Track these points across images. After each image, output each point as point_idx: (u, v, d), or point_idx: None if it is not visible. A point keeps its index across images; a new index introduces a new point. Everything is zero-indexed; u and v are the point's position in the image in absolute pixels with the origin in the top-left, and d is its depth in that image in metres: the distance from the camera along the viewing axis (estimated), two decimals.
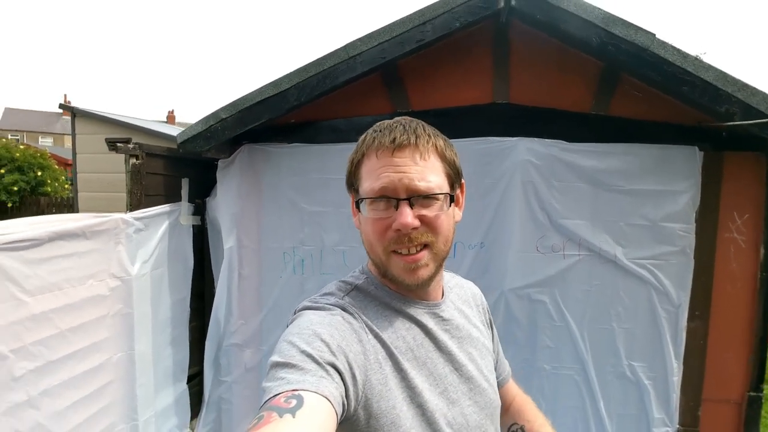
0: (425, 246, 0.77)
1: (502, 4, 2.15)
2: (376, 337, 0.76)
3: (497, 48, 2.46)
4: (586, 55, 2.32)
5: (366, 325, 0.76)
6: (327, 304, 0.78)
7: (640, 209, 2.37)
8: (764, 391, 2.42)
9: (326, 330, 0.70)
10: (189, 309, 2.77)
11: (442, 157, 0.79)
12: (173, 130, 6.26)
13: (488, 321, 1.01)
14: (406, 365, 0.76)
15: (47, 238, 1.82)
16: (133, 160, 2.30)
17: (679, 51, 2.09)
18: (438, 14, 2.20)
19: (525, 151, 2.38)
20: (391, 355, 0.76)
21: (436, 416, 0.76)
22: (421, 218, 0.75)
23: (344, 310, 0.77)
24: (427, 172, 0.76)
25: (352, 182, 0.82)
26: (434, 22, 2.21)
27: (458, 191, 0.84)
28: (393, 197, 0.75)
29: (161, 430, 2.60)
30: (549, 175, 2.40)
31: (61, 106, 5.28)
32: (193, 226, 2.77)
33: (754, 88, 2.08)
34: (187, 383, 2.81)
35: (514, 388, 1.09)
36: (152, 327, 2.46)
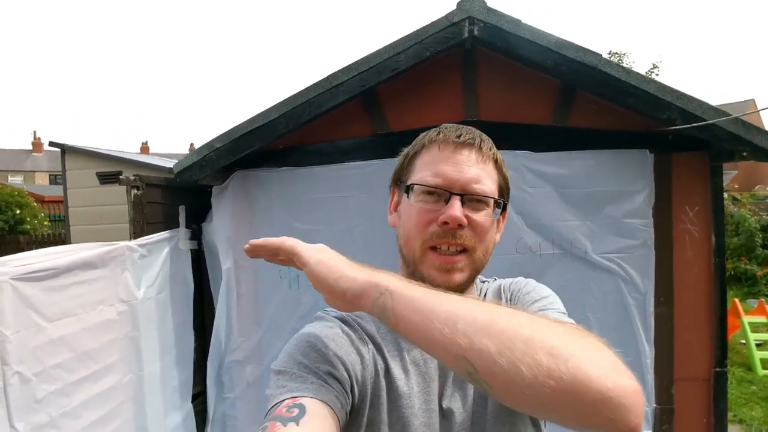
0: (465, 250, 0.75)
1: (465, 34, 2.40)
2: (377, 347, 0.75)
3: (466, 71, 2.72)
4: (544, 74, 2.58)
5: (367, 335, 0.76)
6: (328, 315, 0.78)
7: (603, 208, 2.62)
8: (728, 366, 2.66)
9: (321, 341, 0.71)
10: (192, 330, 2.90)
11: (498, 169, 0.79)
12: (155, 161, 6.38)
13: None
14: (405, 379, 0.73)
15: (64, 267, 1.97)
16: (134, 191, 2.45)
17: (622, 68, 2.38)
18: (410, 45, 2.44)
19: None
20: (389, 368, 0.73)
21: None
22: (469, 220, 0.73)
23: (344, 321, 0.77)
24: (484, 175, 0.75)
25: (401, 176, 0.81)
26: (407, 52, 2.45)
27: (502, 212, 0.81)
28: (446, 190, 0.73)
29: None
30: (521, 183, 2.63)
31: (51, 143, 5.29)
32: (191, 250, 2.91)
33: (690, 96, 2.37)
34: (192, 402, 2.92)
35: None
36: (159, 348, 2.59)
